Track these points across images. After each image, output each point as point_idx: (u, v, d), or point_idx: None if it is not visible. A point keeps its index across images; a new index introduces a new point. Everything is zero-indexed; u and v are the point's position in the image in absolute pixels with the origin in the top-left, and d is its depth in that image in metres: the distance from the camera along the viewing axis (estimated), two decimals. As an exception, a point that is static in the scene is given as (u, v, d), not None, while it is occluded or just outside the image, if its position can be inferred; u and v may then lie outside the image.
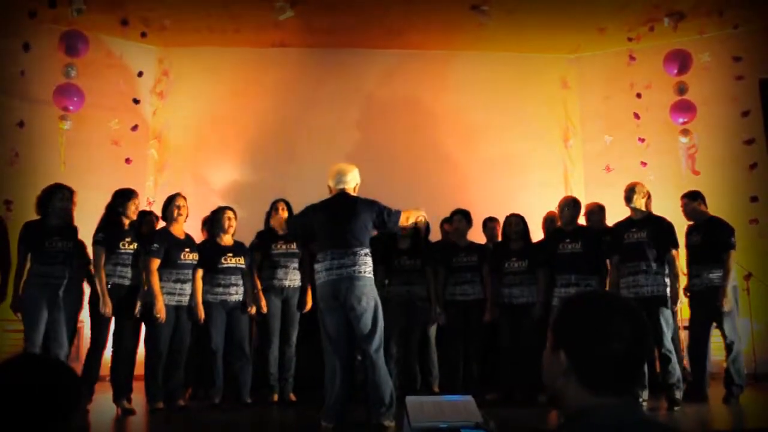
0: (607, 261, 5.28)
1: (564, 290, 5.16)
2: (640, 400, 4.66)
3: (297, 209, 5.69)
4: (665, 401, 4.93)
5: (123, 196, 5.05)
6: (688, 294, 5.36)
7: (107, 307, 4.79)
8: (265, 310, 5.32)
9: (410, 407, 3.08)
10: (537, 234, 6.00)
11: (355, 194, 4.39)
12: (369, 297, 4.10)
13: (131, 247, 4.98)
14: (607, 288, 5.18)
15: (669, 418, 4.64)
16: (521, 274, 5.51)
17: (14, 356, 1.38)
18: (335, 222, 4.19)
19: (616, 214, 5.69)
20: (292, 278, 5.47)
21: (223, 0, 6.84)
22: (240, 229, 5.53)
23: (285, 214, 5.54)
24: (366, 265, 4.14)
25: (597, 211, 5.75)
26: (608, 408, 1.25)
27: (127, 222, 5.04)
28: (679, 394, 4.87)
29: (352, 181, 4.38)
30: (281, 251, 5.46)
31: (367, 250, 4.19)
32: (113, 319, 4.96)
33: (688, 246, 5.27)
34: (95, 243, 4.90)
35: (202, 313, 5.10)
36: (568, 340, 1.31)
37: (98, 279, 4.83)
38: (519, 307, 5.46)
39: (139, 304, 4.94)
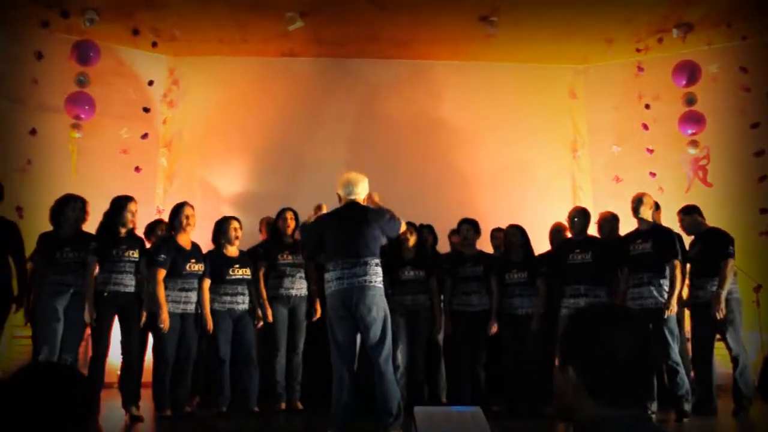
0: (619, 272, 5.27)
1: (573, 301, 5.15)
2: (649, 412, 4.63)
3: (304, 218, 5.73)
4: (674, 413, 4.90)
5: (117, 205, 5.07)
6: (689, 306, 5.35)
7: (90, 314, 4.78)
8: (270, 319, 5.34)
9: (418, 418, 3.08)
10: (545, 245, 6.00)
11: (364, 204, 4.41)
12: (379, 307, 4.10)
13: (128, 254, 4.98)
14: (617, 300, 5.17)
15: (678, 430, 4.62)
16: (521, 285, 5.51)
17: (27, 364, 1.39)
18: (346, 232, 4.21)
19: (624, 224, 5.69)
20: (299, 287, 5.49)
21: (232, 10, 6.90)
22: (247, 237, 5.55)
23: (293, 224, 5.57)
24: (376, 275, 4.15)
25: (610, 220, 5.73)
26: (618, 420, 1.26)
27: (123, 230, 5.05)
28: (687, 407, 4.86)
29: (363, 192, 4.41)
30: (287, 261, 5.48)
31: (378, 260, 4.21)
32: (114, 326, 4.97)
33: (690, 259, 5.26)
34: (88, 252, 4.93)
35: (210, 323, 5.12)
36: (575, 356, 1.32)
37: (86, 287, 4.84)
38: (520, 318, 5.46)
39: (144, 314, 4.96)
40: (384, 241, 4.38)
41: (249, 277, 5.36)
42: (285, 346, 5.40)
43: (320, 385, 5.36)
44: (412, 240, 5.64)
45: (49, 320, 4.76)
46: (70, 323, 4.82)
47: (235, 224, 5.43)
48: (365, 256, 4.13)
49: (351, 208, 4.33)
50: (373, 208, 4.35)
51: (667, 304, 4.89)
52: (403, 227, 4.59)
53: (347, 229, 4.21)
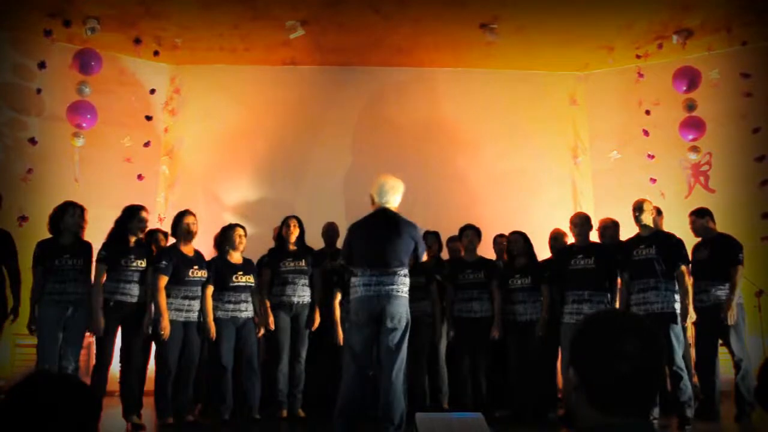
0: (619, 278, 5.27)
1: (576, 306, 5.14)
2: (651, 418, 4.62)
3: (307, 226, 5.75)
4: (676, 419, 4.89)
5: (129, 213, 5.09)
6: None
7: (98, 324, 4.81)
8: (272, 327, 5.34)
9: (420, 424, 3.09)
10: (545, 251, 6.00)
11: (396, 212, 4.38)
12: (402, 316, 4.11)
13: (136, 264, 5.00)
14: (618, 305, 5.17)
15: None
16: (525, 291, 5.52)
17: (29, 374, 1.39)
18: (377, 240, 4.21)
19: (626, 230, 5.69)
20: (301, 294, 5.49)
21: (234, 19, 6.93)
22: (250, 245, 5.56)
23: (297, 231, 5.58)
24: (404, 285, 4.16)
25: (611, 226, 5.75)
26: (618, 429, 1.26)
27: (133, 239, 5.06)
28: (690, 413, 4.84)
29: (396, 201, 4.39)
30: (290, 268, 5.50)
31: (406, 271, 4.20)
32: (119, 335, 4.99)
33: (695, 262, 5.26)
34: (97, 260, 4.95)
35: (213, 331, 5.12)
36: (578, 358, 1.32)
37: (94, 296, 4.85)
38: (524, 325, 5.46)
39: (147, 321, 4.98)
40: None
41: (252, 284, 5.37)
42: (288, 354, 5.40)
43: (322, 392, 5.37)
44: None
45: (49, 329, 4.76)
46: (70, 332, 4.82)
47: (239, 231, 5.43)
48: (395, 266, 4.13)
49: (383, 215, 4.32)
50: (406, 219, 4.33)
51: (685, 313, 4.89)
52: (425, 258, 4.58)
53: (378, 237, 4.21)
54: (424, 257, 4.57)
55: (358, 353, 4.13)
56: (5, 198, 5.32)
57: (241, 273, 5.32)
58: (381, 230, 4.23)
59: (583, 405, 1.30)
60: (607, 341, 1.29)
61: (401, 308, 4.11)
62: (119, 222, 5.08)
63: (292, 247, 5.60)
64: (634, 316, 1.40)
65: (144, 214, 5.11)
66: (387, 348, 4.07)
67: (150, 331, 5.00)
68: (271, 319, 5.36)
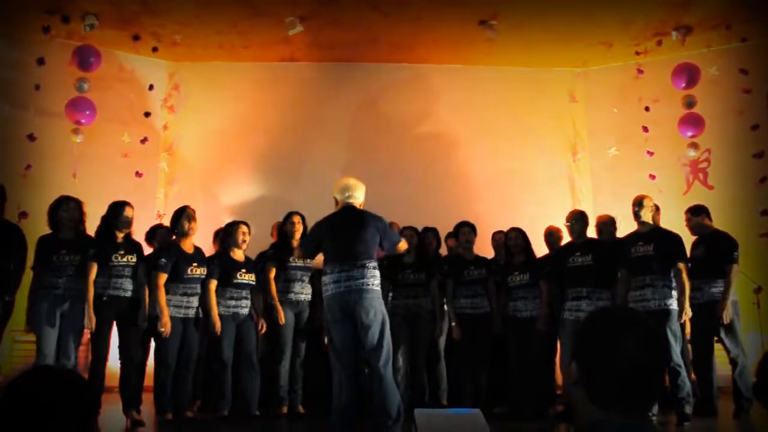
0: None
1: (575, 303, 5.15)
2: (650, 414, 4.63)
3: (310, 222, 5.74)
4: (675, 416, 4.90)
5: (114, 209, 5.09)
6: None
7: (91, 321, 4.81)
8: (282, 321, 5.33)
9: (419, 420, 3.09)
10: (542, 248, 6.00)
11: (361, 208, 4.39)
12: (377, 310, 4.07)
13: (126, 259, 5.00)
14: (617, 302, 5.17)
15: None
16: (524, 287, 5.53)
17: (29, 369, 1.40)
18: (343, 235, 4.18)
19: (624, 227, 5.69)
20: (306, 292, 5.51)
21: (232, 16, 6.93)
22: (249, 241, 5.55)
23: (301, 228, 5.56)
24: (374, 278, 4.13)
25: (609, 223, 5.75)
26: (615, 426, 1.26)
27: (120, 235, 5.06)
28: (688, 409, 4.85)
29: (361, 197, 4.38)
30: (298, 264, 5.49)
31: (375, 263, 4.18)
32: (114, 330, 5.00)
33: (691, 259, 5.27)
34: (87, 258, 4.93)
35: (218, 326, 5.13)
36: (579, 352, 1.33)
37: (85, 292, 4.85)
38: (524, 321, 5.47)
39: (143, 317, 4.98)
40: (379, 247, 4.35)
41: (253, 282, 5.38)
42: (291, 350, 5.41)
43: (322, 388, 5.37)
44: (412, 243, 5.66)
45: (43, 324, 4.75)
46: (68, 328, 4.82)
47: (243, 228, 5.44)
48: (363, 259, 4.10)
49: (348, 211, 4.31)
50: (371, 213, 4.34)
51: (681, 309, 4.89)
52: (403, 246, 4.56)
53: (345, 232, 4.19)
54: (403, 246, 4.55)
55: (340, 351, 4.10)
56: (3, 194, 5.31)
57: (244, 271, 5.33)
58: (347, 225, 4.21)
59: (583, 401, 1.30)
60: (610, 338, 1.29)
61: (374, 302, 4.06)
62: (105, 219, 5.09)
63: (296, 244, 5.58)
64: (638, 315, 1.40)
65: (129, 210, 5.10)
66: (368, 346, 4.04)
67: (146, 326, 5.02)
68: (281, 314, 5.35)
